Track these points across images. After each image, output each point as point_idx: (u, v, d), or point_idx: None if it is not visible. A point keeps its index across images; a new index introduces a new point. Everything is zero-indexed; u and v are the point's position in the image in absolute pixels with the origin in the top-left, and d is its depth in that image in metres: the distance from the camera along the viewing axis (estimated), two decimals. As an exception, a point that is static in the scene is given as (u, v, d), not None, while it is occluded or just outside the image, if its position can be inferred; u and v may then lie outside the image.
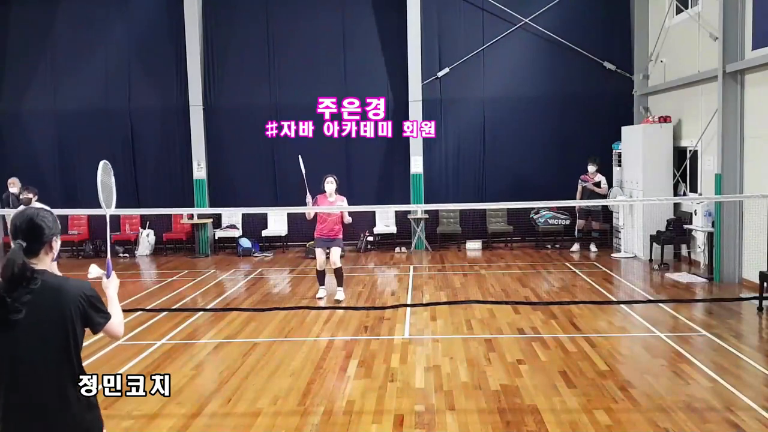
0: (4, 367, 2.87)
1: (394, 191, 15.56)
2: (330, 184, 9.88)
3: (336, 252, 10.03)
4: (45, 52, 15.83)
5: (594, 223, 14.60)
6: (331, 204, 9.85)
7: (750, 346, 7.52)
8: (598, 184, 14.27)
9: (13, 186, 12.97)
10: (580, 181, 14.50)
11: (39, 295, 2.89)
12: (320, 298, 10.33)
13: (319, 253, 10.19)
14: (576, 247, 14.61)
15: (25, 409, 2.87)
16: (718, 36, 10.90)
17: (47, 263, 3.06)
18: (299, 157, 10.41)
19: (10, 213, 12.23)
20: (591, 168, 14.29)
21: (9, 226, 3.10)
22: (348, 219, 10.05)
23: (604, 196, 14.07)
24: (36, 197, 9.94)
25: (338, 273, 10.19)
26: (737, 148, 10.77)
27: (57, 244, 3.14)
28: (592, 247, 14.52)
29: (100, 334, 3.18)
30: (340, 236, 10.10)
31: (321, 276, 10.37)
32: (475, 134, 15.58)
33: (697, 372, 6.68)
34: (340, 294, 10.23)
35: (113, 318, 3.14)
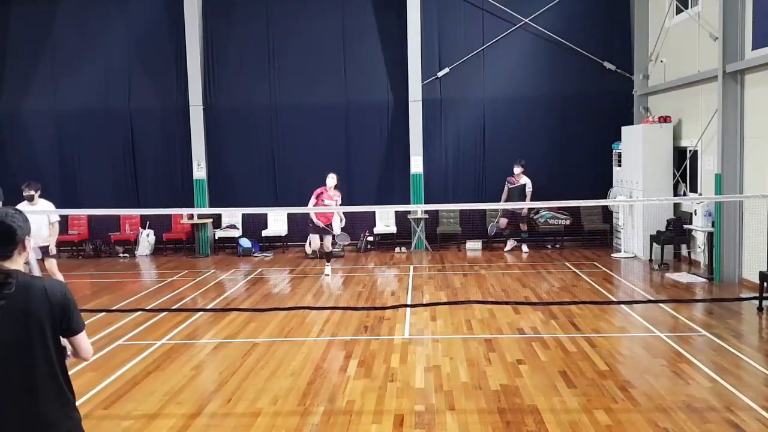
0: None
1: (394, 191, 15.56)
2: (331, 180, 11.76)
3: (328, 239, 12.10)
4: (45, 52, 15.83)
5: (521, 225, 14.74)
6: (330, 197, 11.79)
7: (750, 346, 7.52)
8: (523, 187, 14.39)
9: None
10: (507, 182, 14.63)
11: (14, 297, 2.87)
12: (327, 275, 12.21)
13: (314, 237, 12.28)
14: (510, 245, 14.87)
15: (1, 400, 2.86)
16: (718, 36, 10.90)
17: (20, 264, 3.04)
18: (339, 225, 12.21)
19: None
20: (516, 170, 14.43)
21: None
22: (339, 223, 12.21)
23: (531, 198, 14.14)
24: (38, 193, 9.93)
25: (329, 255, 12.46)
26: (737, 148, 10.77)
27: (29, 243, 3.08)
28: (524, 248, 14.65)
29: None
30: (332, 223, 12.06)
31: (323, 255, 12.69)
32: (475, 134, 15.58)
33: (697, 372, 6.68)
34: (327, 269, 12.37)
35: (84, 332, 3.09)
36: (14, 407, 2.87)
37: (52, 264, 9.98)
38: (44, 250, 9.90)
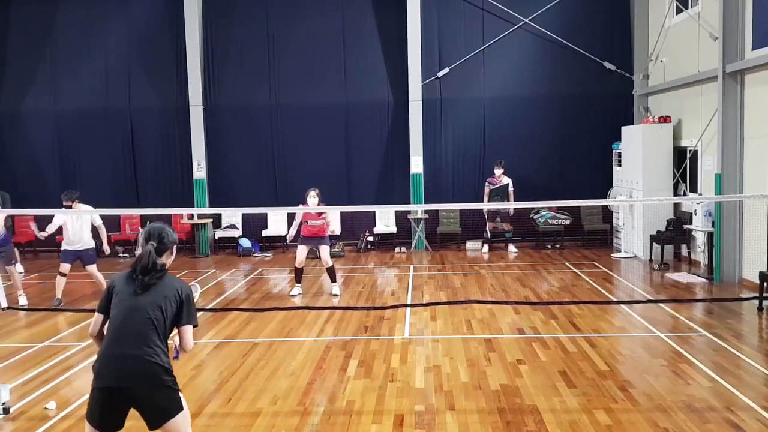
0: (120, 321, 4.01)
1: (394, 191, 15.56)
2: (312, 198, 10.21)
3: (325, 250, 10.39)
4: (45, 52, 15.83)
5: (505, 225, 14.79)
6: (316, 216, 10.21)
7: (750, 346, 7.52)
8: (505, 187, 14.44)
9: None
10: (487, 183, 14.66)
11: (159, 284, 4.05)
12: (294, 296, 10.60)
13: (302, 250, 10.45)
14: (486, 248, 14.86)
15: (123, 357, 3.93)
16: (718, 36, 10.90)
17: (167, 262, 4.23)
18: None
19: None
20: (497, 171, 14.49)
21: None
22: (333, 229, 10.73)
23: (515, 198, 14.23)
24: (75, 202, 10.07)
25: (330, 271, 10.55)
26: (737, 148, 10.77)
27: (174, 251, 4.31)
28: (511, 248, 14.71)
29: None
30: (326, 235, 10.46)
31: (299, 273, 10.61)
32: (475, 134, 15.58)
33: (697, 372, 6.68)
34: (335, 289, 10.64)
35: (191, 327, 4.16)
36: (144, 352, 3.96)
37: (93, 267, 10.33)
38: (91, 254, 10.28)
